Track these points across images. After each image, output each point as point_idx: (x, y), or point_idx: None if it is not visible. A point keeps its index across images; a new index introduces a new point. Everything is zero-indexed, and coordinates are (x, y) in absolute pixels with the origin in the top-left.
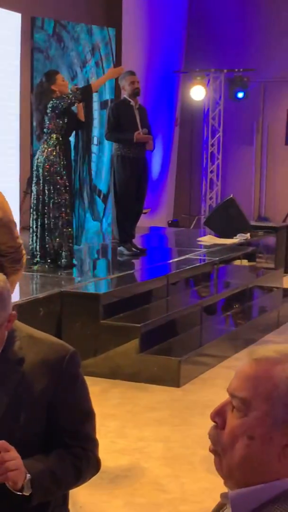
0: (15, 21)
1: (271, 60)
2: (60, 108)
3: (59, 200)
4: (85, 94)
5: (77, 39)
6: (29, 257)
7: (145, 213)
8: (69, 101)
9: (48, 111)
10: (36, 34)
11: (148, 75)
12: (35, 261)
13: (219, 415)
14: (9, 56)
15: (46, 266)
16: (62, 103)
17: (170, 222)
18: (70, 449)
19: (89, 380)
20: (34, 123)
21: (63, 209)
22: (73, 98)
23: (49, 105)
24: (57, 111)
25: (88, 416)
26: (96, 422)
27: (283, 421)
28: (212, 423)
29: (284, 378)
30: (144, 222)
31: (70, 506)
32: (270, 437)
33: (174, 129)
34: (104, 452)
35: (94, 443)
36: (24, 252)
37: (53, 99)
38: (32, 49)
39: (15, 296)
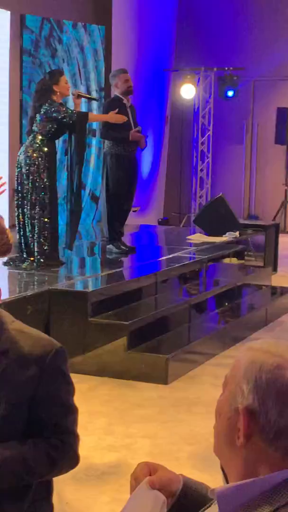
0: (4, 19)
1: (261, 59)
2: (51, 116)
3: (38, 199)
4: (79, 121)
5: (66, 37)
6: (17, 254)
7: (134, 211)
8: (62, 116)
9: (41, 111)
10: (25, 32)
11: (138, 73)
12: (23, 259)
13: (221, 395)
14: None
15: (35, 263)
16: (55, 114)
17: (160, 220)
18: (48, 440)
19: (77, 377)
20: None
21: (42, 208)
22: (67, 117)
23: (43, 107)
24: (48, 116)
25: (69, 410)
26: (78, 418)
27: (236, 403)
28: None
29: (245, 363)
30: (134, 220)
31: (56, 502)
32: (228, 416)
33: (164, 127)
34: (92, 449)
35: (73, 437)
36: (11, 245)
37: (49, 105)
38: (21, 47)
39: (3, 294)
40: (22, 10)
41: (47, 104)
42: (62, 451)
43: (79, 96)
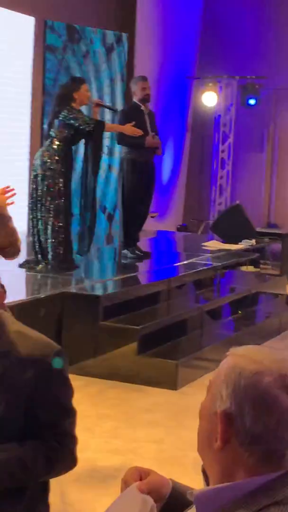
0: (28, 25)
1: (283, 67)
2: (69, 122)
3: (52, 204)
4: (96, 129)
5: (89, 43)
6: (32, 257)
7: (153, 217)
8: (79, 123)
9: (59, 117)
10: (49, 37)
11: (161, 80)
12: (37, 261)
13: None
14: (21, 59)
15: (49, 266)
16: (72, 120)
17: (179, 226)
18: (46, 442)
19: (87, 380)
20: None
21: (55, 214)
22: (85, 125)
23: (62, 113)
24: (65, 123)
25: (67, 412)
26: (76, 420)
27: (214, 404)
28: None
29: (226, 368)
30: (153, 226)
31: (58, 503)
32: (209, 420)
33: (185, 134)
34: (97, 452)
35: (71, 439)
36: (19, 247)
37: (68, 111)
38: (44, 53)
39: (17, 296)
40: (47, 16)
41: (65, 110)
42: (60, 453)
43: (98, 105)
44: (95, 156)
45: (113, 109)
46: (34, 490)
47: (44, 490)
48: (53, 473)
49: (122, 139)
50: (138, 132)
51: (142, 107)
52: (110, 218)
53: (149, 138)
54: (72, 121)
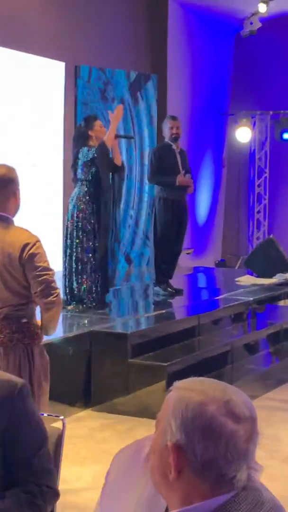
0: (59, 70)
1: None
2: (88, 159)
3: (88, 244)
4: (98, 152)
5: (118, 86)
6: (63, 297)
7: (188, 253)
8: (90, 155)
9: (79, 157)
10: (80, 82)
11: (194, 117)
12: (68, 302)
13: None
14: (53, 104)
15: (80, 306)
16: (90, 155)
17: (217, 262)
18: (25, 487)
19: (116, 418)
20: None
21: (91, 254)
22: (93, 154)
23: (80, 153)
24: (85, 161)
25: (40, 447)
26: (49, 452)
27: (164, 437)
28: None
29: (173, 402)
30: (192, 262)
31: None
32: (160, 453)
33: (222, 170)
34: None
35: (47, 475)
36: (54, 288)
37: (83, 150)
38: (75, 97)
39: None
40: (77, 61)
41: (82, 151)
42: (42, 496)
43: (116, 137)
44: (116, 183)
45: (131, 137)
46: None
47: None
48: None
49: (153, 177)
50: (119, 109)
51: (173, 146)
52: (128, 259)
53: (180, 177)
54: (90, 156)
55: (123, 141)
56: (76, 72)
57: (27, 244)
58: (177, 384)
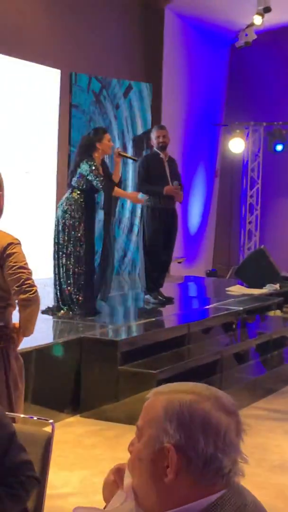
0: (55, 77)
1: None
2: (86, 176)
3: (75, 251)
4: (105, 191)
5: (114, 95)
6: (55, 303)
7: (179, 262)
8: (91, 180)
9: (80, 168)
10: (75, 89)
11: (188, 127)
12: (59, 308)
13: (132, 445)
14: (48, 112)
15: (70, 312)
16: (89, 176)
17: (208, 271)
18: (4, 481)
19: (105, 425)
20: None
21: (79, 260)
22: (95, 183)
23: (83, 166)
24: (84, 175)
25: (9, 444)
26: (18, 439)
27: (161, 443)
28: None
29: (163, 406)
30: (183, 272)
31: None
32: (152, 458)
33: (214, 181)
34: None
35: (23, 466)
36: (31, 286)
37: (88, 165)
38: (70, 105)
39: (36, 340)
40: (72, 68)
41: (87, 164)
42: (20, 486)
43: (120, 155)
44: (106, 212)
45: (134, 159)
46: None
47: None
48: (24, 503)
49: (141, 186)
50: (141, 202)
51: (161, 155)
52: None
53: (168, 186)
54: (89, 177)
55: None
56: (71, 80)
57: (7, 246)
58: (157, 389)
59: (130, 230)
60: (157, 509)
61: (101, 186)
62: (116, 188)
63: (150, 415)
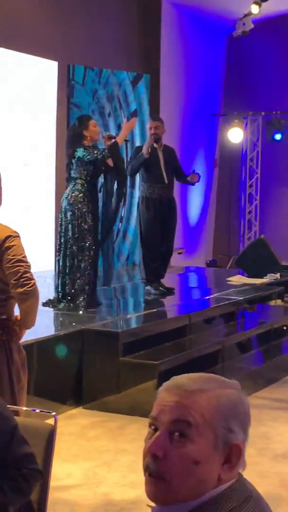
0: (52, 69)
1: None
2: (85, 159)
3: (83, 243)
4: (112, 151)
5: (111, 85)
6: (55, 296)
7: (180, 253)
8: (95, 156)
9: (75, 157)
10: (72, 81)
11: (187, 118)
12: (60, 300)
13: (160, 448)
14: (46, 104)
15: (71, 305)
16: (88, 156)
17: (208, 262)
18: (7, 474)
19: (108, 416)
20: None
21: (86, 252)
22: (100, 155)
23: (76, 154)
24: (82, 161)
25: (11, 438)
26: (21, 432)
27: (221, 442)
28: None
29: (219, 402)
30: (183, 262)
31: None
32: (212, 459)
33: (213, 170)
34: (114, 485)
35: (25, 458)
36: (29, 279)
37: (81, 149)
38: (68, 96)
39: (37, 333)
40: (69, 60)
41: (81, 150)
42: (23, 479)
43: (109, 138)
44: (121, 179)
45: (124, 140)
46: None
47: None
48: (27, 494)
49: (130, 169)
50: (133, 121)
51: (155, 145)
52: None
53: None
54: (89, 157)
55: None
56: (69, 72)
57: (6, 239)
58: (186, 387)
59: (129, 220)
60: (189, 499)
61: (104, 152)
62: (117, 138)
63: (203, 416)
